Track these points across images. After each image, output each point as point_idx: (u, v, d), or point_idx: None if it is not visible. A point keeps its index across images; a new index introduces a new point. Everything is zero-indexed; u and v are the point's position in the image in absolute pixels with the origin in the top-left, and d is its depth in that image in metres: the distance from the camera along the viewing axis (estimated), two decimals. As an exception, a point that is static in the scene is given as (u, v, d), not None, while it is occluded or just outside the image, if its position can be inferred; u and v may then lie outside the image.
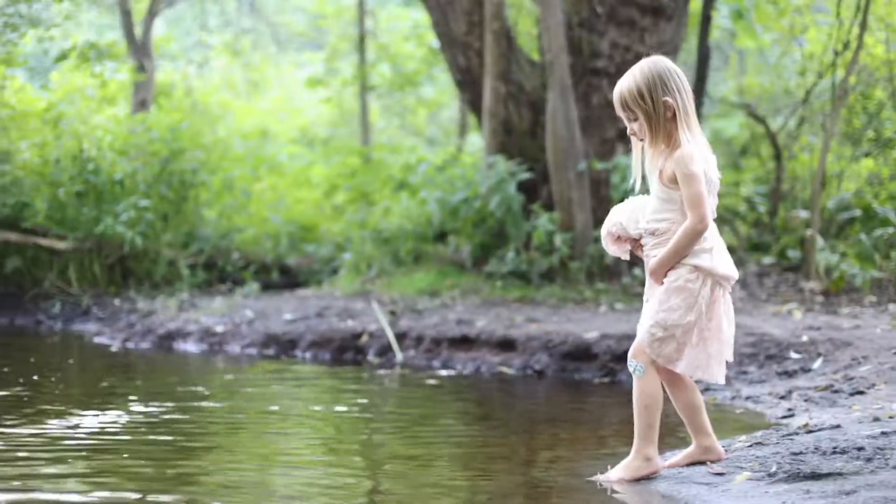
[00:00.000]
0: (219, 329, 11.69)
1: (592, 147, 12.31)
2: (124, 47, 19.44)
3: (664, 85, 4.87)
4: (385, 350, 10.58)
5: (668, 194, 4.90)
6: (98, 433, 6.57)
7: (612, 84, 12.33)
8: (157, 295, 14.49)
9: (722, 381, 5.03)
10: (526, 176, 12.28)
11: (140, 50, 18.99)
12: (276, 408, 7.93)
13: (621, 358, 9.01)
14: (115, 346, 11.83)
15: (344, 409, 7.96)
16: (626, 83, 4.95)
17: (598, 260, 11.87)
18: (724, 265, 4.95)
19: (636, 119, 4.94)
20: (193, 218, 16.06)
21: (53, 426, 6.75)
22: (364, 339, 10.80)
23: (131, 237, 14.83)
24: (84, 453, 5.97)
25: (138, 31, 19.37)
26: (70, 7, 19.67)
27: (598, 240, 11.54)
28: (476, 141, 17.63)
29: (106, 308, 14.38)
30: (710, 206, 4.89)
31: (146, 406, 7.68)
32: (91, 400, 8.02)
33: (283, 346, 11.12)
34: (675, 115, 4.86)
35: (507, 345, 10.03)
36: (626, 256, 5.23)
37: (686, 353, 4.93)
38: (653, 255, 5.00)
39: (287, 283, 15.23)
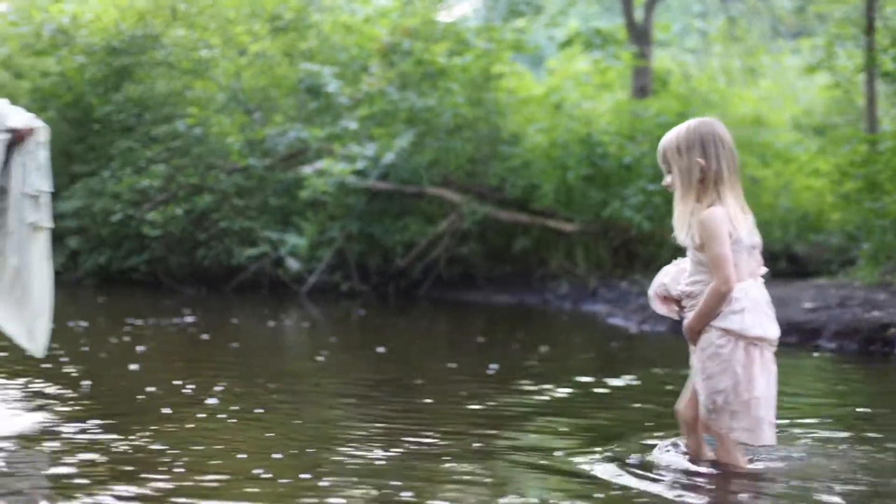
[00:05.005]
0: (735, 315, 11.63)
1: None
2: (624, 34, 19.76)
3: (703, 147, 4.90)
4: (919, 345, 10.21)
5: (698, 257, 4.92)
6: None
7: None
8: (664, 279, 14.63)
9: (773, 442, 4.94)
10: None
11: (641, 36, 19.25)
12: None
13: None
14: (632, 328, 12.05)
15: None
16: (669, 137, 5.01)
17: None
18: (760, 326, 4.83)
19: (671, 172, 4.99)
20: (696, 204, 16.09)
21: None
22: (892, 331, 10.48)
23: (639, 221, 15.07)
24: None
25: (638, 16, 19.62)
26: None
27: None
28: None
29: (613, 290, 14.70)
30: (742, 266, 4.86)
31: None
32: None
33: (804, 335, 10.93)
34: (704, 178, 4.88)
35: None
36: (677, 317, 5.15)
37: (739, 419, 4.86)
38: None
39: (794, 272, 14.98)
